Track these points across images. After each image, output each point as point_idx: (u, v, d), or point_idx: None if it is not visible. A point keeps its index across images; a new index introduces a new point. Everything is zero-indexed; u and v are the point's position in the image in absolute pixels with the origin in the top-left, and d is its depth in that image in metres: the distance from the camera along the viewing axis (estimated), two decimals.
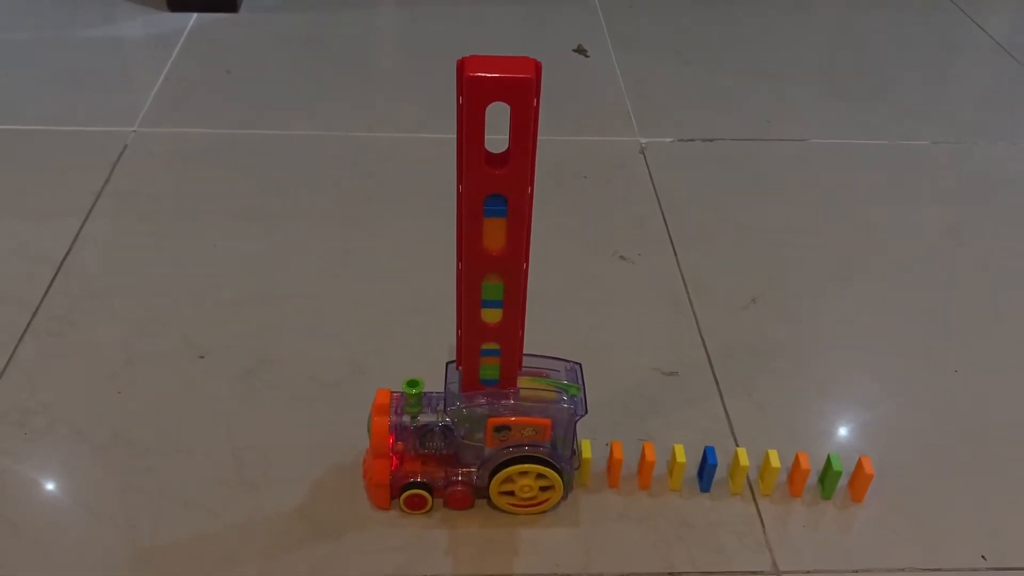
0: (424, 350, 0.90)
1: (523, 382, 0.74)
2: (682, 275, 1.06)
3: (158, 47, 1.48)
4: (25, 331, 0.93)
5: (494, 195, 0.64)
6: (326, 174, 1.20)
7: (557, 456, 0.75)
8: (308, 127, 1.28)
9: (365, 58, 1.50)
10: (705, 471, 0.80)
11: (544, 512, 0.78)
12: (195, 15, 1.56)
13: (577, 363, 0.77)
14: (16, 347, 0.91)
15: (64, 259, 1.02)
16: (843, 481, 0.82)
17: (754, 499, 0.81)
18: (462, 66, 0.57)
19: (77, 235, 1.06)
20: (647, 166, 1.25)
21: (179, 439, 0.83)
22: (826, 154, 1.31)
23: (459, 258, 0.67)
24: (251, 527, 0.76)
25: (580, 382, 0.76)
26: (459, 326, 0.71)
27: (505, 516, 0.78)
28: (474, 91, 0.57)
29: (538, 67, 0.59)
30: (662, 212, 1.16)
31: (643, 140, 1.30)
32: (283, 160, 1.22)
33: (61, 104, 1.31)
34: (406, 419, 0.74)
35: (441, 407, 0.74)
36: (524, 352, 0.74)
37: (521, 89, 0.58)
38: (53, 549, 0.73)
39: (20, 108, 1.29)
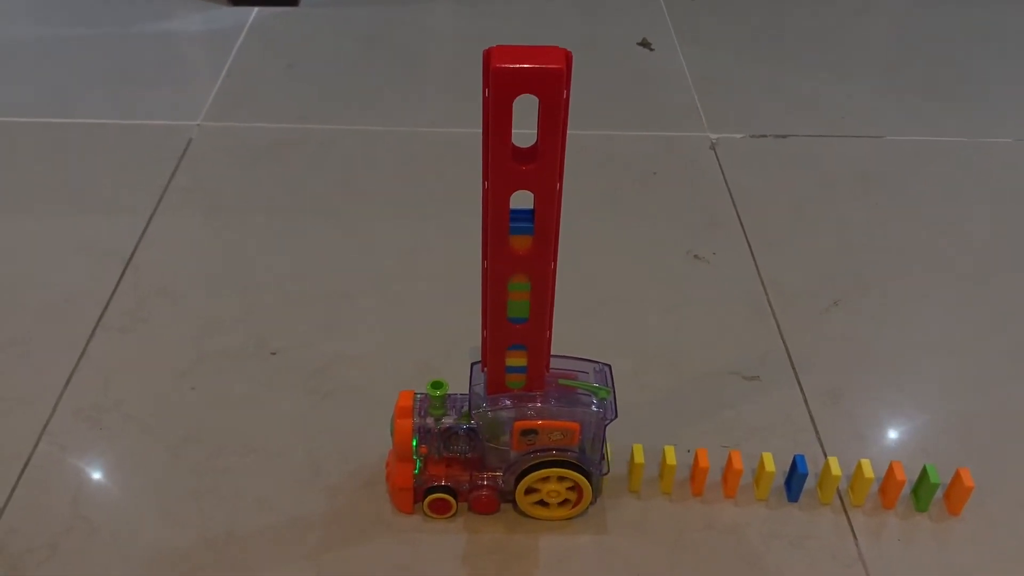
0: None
1: (551, 384, 0.72)
2: (760, 276, 1.03)
3: (219, 42, 1.47)
4: (96, 327, 0.92)
5: (520, 211, 0.61)
6: (390, 169, 1.19)
7: (586, 460, 0.73)
8: (371, 122, 1.26)
9: (426, 52, 1.48)
10: (794, 480, 0.77)
11: (570, 518, 0.76)
12: (256, 9, 1.56)
13: (607, 364, 0.74)
14: (88, 343, 0.90)
15: (132, 255, 1.01)
16: (939, 493, 0.78)
17: (845, 510, 0.78)
18: (488, 57, 0.54)
19: (144, 230, 1.05)
20: (719, 163, 1.21)
21: (252, 438, 0.82)
22: (903, 151, 1.26)
23: (484, 256, 0.64)
24: (313, 526, 0.74)
25: (610, 384, 0.73)
26: (484, 326, 0.68)
27: (532, 522, 0.76)
28: (501, 83, 0.54)
29: (569, 57, 0.55)
30: (736, 210, 1.13)
31: (713, 136, 1.27)
32: (346, 155, 1.21)
33: (125, 99, 1.30)
34: (430, 421, 0.72)
35: (466, 409, 0.72)
36: (552, 353, 0.72)
37: (550, 81, 0.54)
38: (129, 549, 0.72)
39: (85, 103, 1.29)
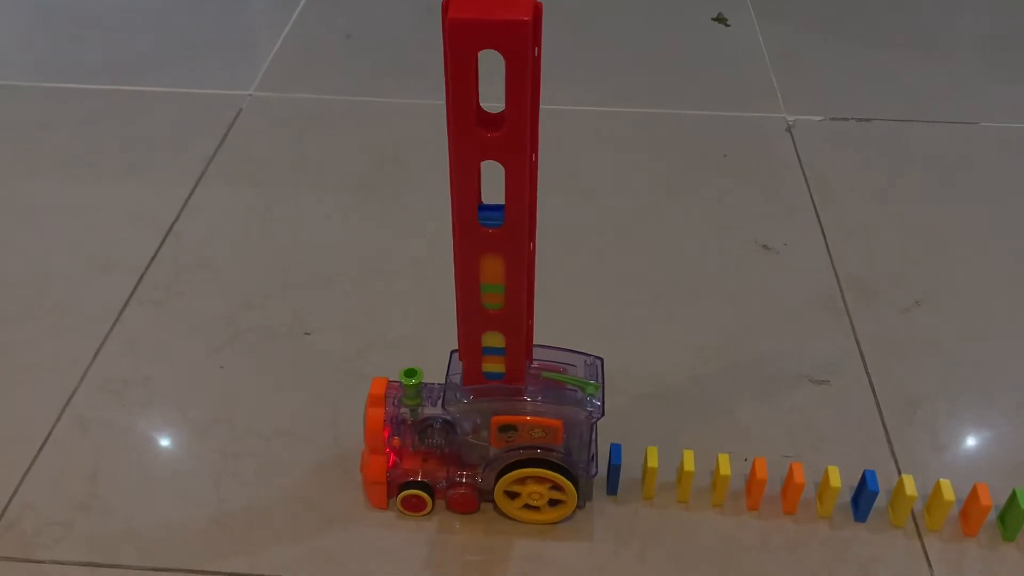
0: (542, 337, 0.82)
1: (535, 377, 0.66)
2: (835, 269, 0.94)
3: (277, 10, 1.44)
4: (130, 298, 0.89)
5: (488, 206, 0.56)
6: (442, 147, 1.13)
7: (571, 462, 0.67)
8: (428, 96, 1.21)
9: None
10: (863, 498, 0.70)
11: (554, 523, 0.70)
12: None
13: (598, 358, 0.68)
14: (120, 314, 0.88)
15: (172, 225, 0.98)
16: None
17: (919, 535, 0.70)
18: (445, 7, 0.47)
19: (187, 201, 1.02)
20: (795, 146, 1.13)
21: (280, 421, 0.78)
22: (998, 139, 1.16)
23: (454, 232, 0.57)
24: (330, 516, 0.70)
25: (600, 379, 0.66)
26: (458, 310, 0.62)
27: (512, 525, 0.70)
28: (458, 37, 0.47)
29: (538, 8, 0.48)
30: (812, 198, 1.04)
31: (790, 118, 1.18)
32: (401, 129, 1.16)
33: (178, 67, 1.28)
34: (404, 412, 0.67)
35: (440, 401, 0.66)
36: (538, 343, 0.66)
37: (514, 35, 0.47)
38: (143, 529, 0.69)
39: (138, 70, 1.27)
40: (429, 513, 0.70)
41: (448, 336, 0.87)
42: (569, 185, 1.06)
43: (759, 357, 0.85)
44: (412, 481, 0.69)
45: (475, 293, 0.60)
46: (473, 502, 0.70)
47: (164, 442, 0.76)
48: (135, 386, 0.81)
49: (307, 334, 0.86)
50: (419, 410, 0.67)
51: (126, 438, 0.76)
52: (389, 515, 0.70)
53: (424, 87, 1.23)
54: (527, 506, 0.69)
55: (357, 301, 0.90)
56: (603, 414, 0.65)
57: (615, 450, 0.71)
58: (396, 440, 0.68)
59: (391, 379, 0.68)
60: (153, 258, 0.94)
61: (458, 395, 0.65)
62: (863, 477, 0.70)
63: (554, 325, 0.83)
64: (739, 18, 1.41)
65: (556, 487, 0.68)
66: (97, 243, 0.96)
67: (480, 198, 0.56)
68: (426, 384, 0.67)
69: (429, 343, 0.85)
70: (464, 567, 0.68)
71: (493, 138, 0.52)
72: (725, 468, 0.70)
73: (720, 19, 1.41)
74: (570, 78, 1.26)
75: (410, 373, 0.66)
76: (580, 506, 0.70)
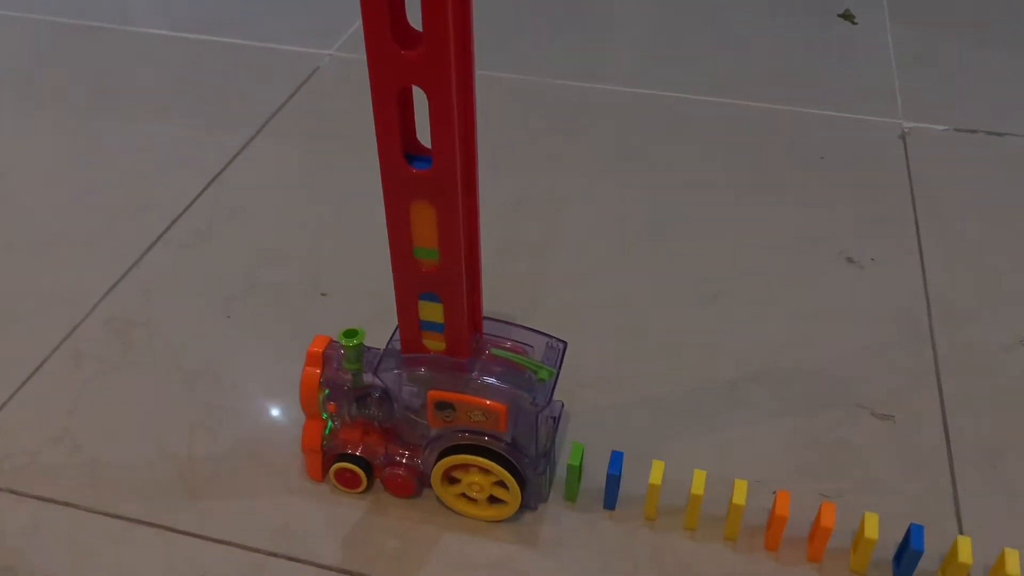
0: (572, 318, 0.74)
1: (482, 352, 0.58)
2: (926, 293, 0.81)
3: None
4: (158, 239, 0.87)
5: (417, 156, 0.50)
6: (509, 120, 1.06)
7: (516, 453, 0.58)
8: (504, 68, 1.14)
9: (597, 1, 1.34)
10: (905, 557, 0.58)
11: (496, 521, 0.62)
12: None
13: (562, 341, 0.60)
14: (144, 254, 0.85)
15: (219, 173, 0.96)
16: None
17: None
18: None
19: (240, 152, 0.99)
20: (906, 155, 0.99)
21: (272, 382, 0.73)
22: None
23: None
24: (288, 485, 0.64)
25: (557, 366, 0.58)
26: (392, 267, 0.55)
27: (452, 517, 0.63)
28: None
29: None
30: (915, 212, 0.91)
31: (906, 124, 1.04)
32: (482, 102, 1.09)
33: (264, 22, 1.26)
34: (341, 376, 0.60)
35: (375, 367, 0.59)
36: (498, 319, 0.59)
37: None
38: (105, 470, 0.65)
39: (225, 22, 1.26)
40: (365, 491, 0.64)
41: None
42: (643, 173, 0.97)
43: (817, 379, 0.73)
44: (347, 454, 0.63)
45: (406, 246, 0.54)
46: (410, 485, 0.63)
47: (150, 387, 0.72)
48: (138, 326, 0.78)
49: (323, 295, 0.81)
50: (360, 376, 0.60)
51: (114, 377, 0.73)
52: (323, 489, 0.65)
53: (518, 62, 1.16)
54: (466, 497, 0.62)
55: (384, 269, 0.84)
56: (549, 402, 0.57)
57: (615, 459, 0.62)
58: (331, 405, 0.62)
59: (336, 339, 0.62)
60: (192, 203, 0.91)
61: (393, 362, 0.58)
62: (908, 532, 0.58)
63: (595, 318, 0.75)
64: (869, 16, 1.28)
65: (502, 483, 0.60)
66: (142, 182, 0.95)
67: (411, 135, 0.50)
68: (370, 349, 0.60)
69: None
70: (377, 553, 0.61)
71: (412, 58, 0.45)
72: (740, 497, 0.60)
73: (847, 15, 1.27)
74: (666, 63, 1.16)
75: (350, 334, 0.59)
76: (530, 507, 0.63)
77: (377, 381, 0.59)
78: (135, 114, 1.06)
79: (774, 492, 0.63)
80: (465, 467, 0.60)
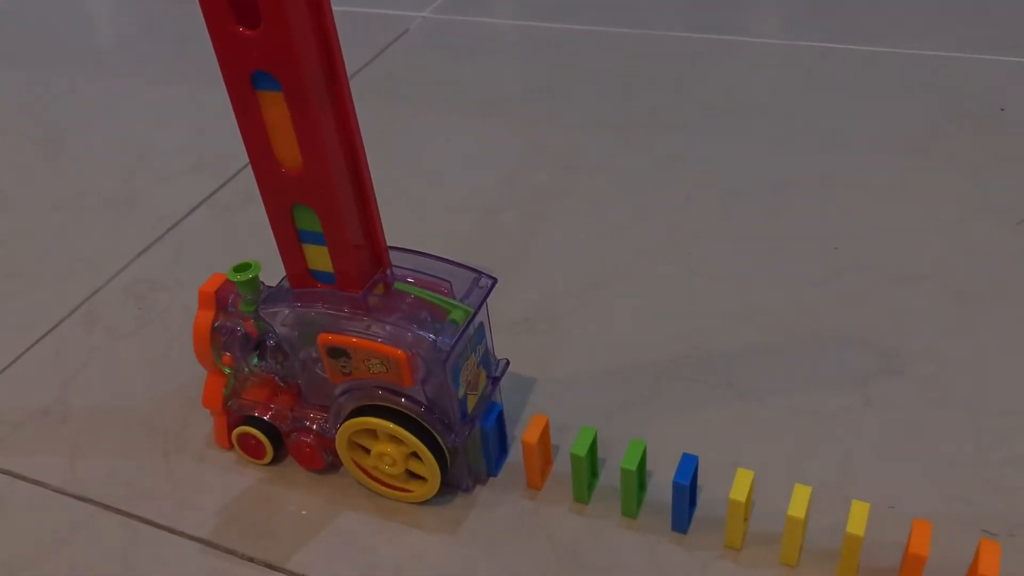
0: (679, 288, 0.59)
1: (383, 287, 0.47)
2: None
3: None
4: (205, 200, 0.79)
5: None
6: (603, 75, 0.92)
7: (429, 416, 0.46)
8: (607, 22, 1.00)
9: None
10: None
11: (412, 502, 0.50)
12: None
13: (491, 278, 0.48)
14: (187, 215, 0.77)
15: None
16: None
17: None
18: None
19: None
20: None
21: None
22: None
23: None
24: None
25: (478, 306, 0.47)
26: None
27: (366, 496, 0.51)
28: None
29: None
30: None
31: None
32: (566, 57, 0.96)
33: None
34: (236, 321, 0.49)
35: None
36: (408, 248, 0.49)
37: None
38: (84, 453, 0.56)
39: None
40: (272, 463, 0.53)
41: (567, 279, 0.67)
42: (778, 129, 0.81)
43: (983, 375, 0.55)
44: (248, 417, 0.51)
45: (263, 144, 0.43)
46: (318, 457, 0.51)
47: (155, 359, 0.63)
48: (161, 290, 0.69)
49: None
50: (257, 321, 0.49)
51: (122, 346, 0.64)
52: (230, 457, 0.54)
53: (605, 14, 1.02)
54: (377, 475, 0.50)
55: (441, 232, 0.72)
56: (454, 347, 0.45)
57: (686, 464, 0.47)
58: (227, 356, 0.50)
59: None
60: (246, 165, 0.83)
61: (278, 300, 0.47)
62: None
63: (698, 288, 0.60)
64: None
65: (417, 455, 0.48)
66: (201, 143, 0.87)
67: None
68: (270, 288, 0.49)
69: (518, 281, 0.65)
70: (260, 533, 0.50)
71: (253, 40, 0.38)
72: (859, 525, 0.43)
73: None
74: (809, 7, 0.99)
75: (241, 268, 0.48)
76: (463, 488, 0.50)
77: (262, 325, 0.48)
78: (201, 76, 1.00)
79: (892, 508, 0.45)
80: (375, 434, 0.48)
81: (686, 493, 0.46)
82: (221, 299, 0.50)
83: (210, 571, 0.48)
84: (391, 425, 0.47)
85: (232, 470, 0.53)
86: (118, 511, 0.52)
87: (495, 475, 0.51)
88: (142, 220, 0.77)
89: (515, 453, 0.53)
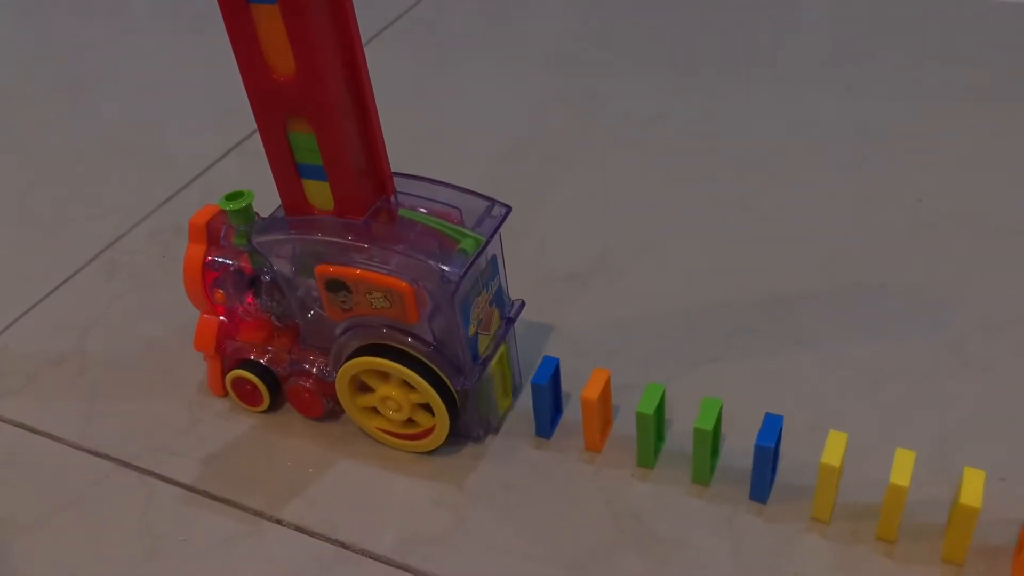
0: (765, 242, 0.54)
1: (387, 214, 0.42)
2: None
3: None
4: (235, 147, 0.74)
5: None
6: (663, 17, 0.86)
7: (437, 356, 0.41)
8: None
9: None
10: None
11: (418, 451, 0.45)
12: None
13: (505, 206, 0.43)
14: (215, 163, 0.73)
15: None
16: None
17: None
18: None
19: None
20: None
21: None
22: None
23: None
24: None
25: (490, 236, 0.42)
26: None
27: (368, 444, 0.47)
28: None
29: None
30: None
31: None
32: (620, 5, 0.90)
33: None
34: (229, 254, 0.45)
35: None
36: (415, 175, 0.44)
37: None
38: (100, 405, 0.52)
39: None
40: (266, 409, 0.48)
41: (601, 235, 0.62)
42: (853, 77, 0.75)
43: None
44: (243, 360, 0.47)
45: (252, 48, 0.38)
46: (318, 403, 0.47)
47: (179, 308, 0.58)
48: (184, 238, 0.64)
49: None
50: (252, 254, 0.45)
51: (144, 294, 0.60)
52: (225, 405, 0.50)
53: None
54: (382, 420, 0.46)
55: (492, 180, 0.67)
56: (463, 278, 0.40)
57: (770, 425, 0.41)
58: (219, 293, 0.46)
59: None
60: None
61: (273, 228, 0.43)
62: None
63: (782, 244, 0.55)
64: None
65: (417, 397, 0.44)
66: (231, 91, 0.82)
67: None
68: (264, 218, 0.45)
69: (574, 232, 0.60)
70: (251, 483, 0.46)
71: None
72: (972, 495, 0.37)
73: None
74: None
75: (234, 196, 0.44)
76: (474, 437, 0.46)
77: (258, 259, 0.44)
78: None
79: (1003, 479, 0.40)
80: (382, 376, 0.44)
81: (770, 457, 0.41)
82: (213, 231, 0.46)
83: (231, 533, 0.44)
84: (396, 366, 0.42)
85: (227, 416, 0.49)
86: (135, 467, 0.48)
87: (548, 436, 0.46)
88: (169, 168, 0.73)
89: (570, 412, 0.48)
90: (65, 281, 0.62)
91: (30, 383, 0.54)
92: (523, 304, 0.47)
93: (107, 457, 0.49)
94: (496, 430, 0.47)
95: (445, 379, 0.43)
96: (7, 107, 0.84)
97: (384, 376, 0.44)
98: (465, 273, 0.40)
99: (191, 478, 0.47)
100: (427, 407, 0.44)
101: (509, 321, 0.46)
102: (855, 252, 0.57)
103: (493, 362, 0.44)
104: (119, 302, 0.60)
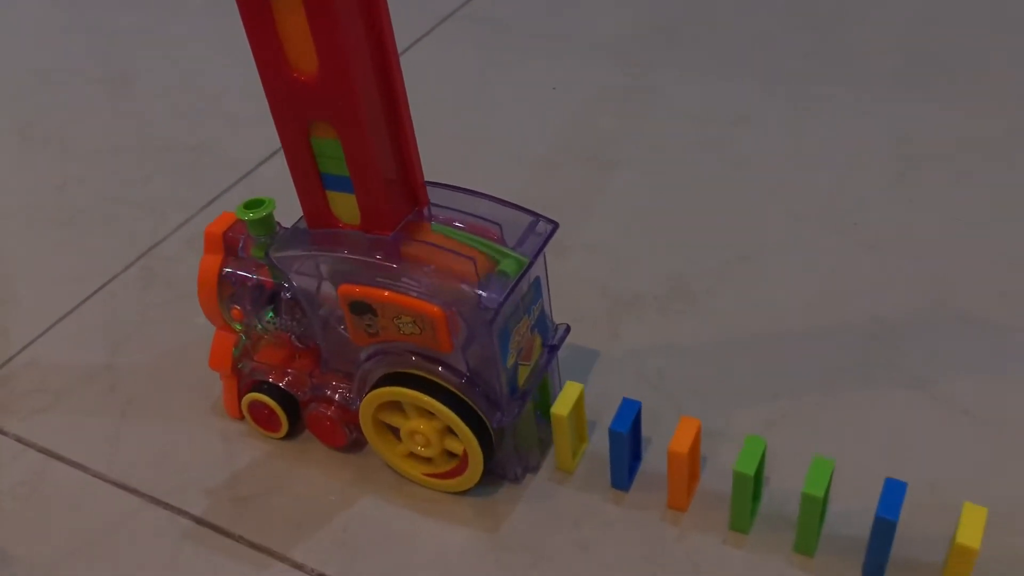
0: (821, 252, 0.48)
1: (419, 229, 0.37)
2: None
3: None
4: (279, 151, 0.70)
5: None
6: (738, 12, 0.80)
7: (471, 388, 0.36)
8: None
9: None
10: None
11: (449, 491, 0.41)
12: None
13: (551, 222, 0.39)
14: (258, 166, 0.68)
15: None
16: None
17: None
18: None
19: (401, 53, 0.80)
20: None
21: None
22: None
23: None
24: None
25: (534, 256, 0.37)
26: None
27: (396, 481, 0.42)
28: None
29: None
30: None
31: None
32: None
33: None
34: (248, 267, 0.41)
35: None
36: (454, 186, 0.40)
37: None
38: (128, 432, 0.47)
39: None
40: (285, 436, 0.44)
41: (690, 245, 0.56)
42: (959, 83, 0.68)
43: None
44: (260, 383, 0.42)
45: (271, 39, 0.34)
46: (340, 433, 0.42)
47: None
48: None
49: None
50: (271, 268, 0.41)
51: (180, 308, 0.55)
52: (239, 428, 0.46)
53: None
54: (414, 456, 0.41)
55: (551, 189, 0.62)
56: (505, 302, 0.35)
57: (892, 492, 0.35)
58: (236, 310, 0.41)
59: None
60: None
61: (291, 241, 0.38)
62: None
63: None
64: None
65: (452, 432, 0.39)
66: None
67: None
68: (286, 229, 0.41)
69: (646, 251, 0.55)
70: (263, 521, 0.42)
71: None
72: (970, 535, 0.31)
73: None
74: None
75: (253, 204, 0.40)
76: (510, 478, 0.41)
77: (277, 275, 0.40)
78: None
79: None
80: (406, 408, 0.39)
81: (892, 532, 0.35)
82: (230, 242, 0.41)
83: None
84: (425, 398, 0.37)
85: (240, 442, 0.45)
86: (166, 505, 0.43)
87: (626, 488, 0.41)
88: (210, 167, 0.69)
89: (648, 461, 0.42)
90: (99, 289, 0.58)
91: (57, 402, 0.50)
92: (568, 329, 0.42)
93: (134, 491, 0.44)
94: (535, 469, 0.42)
95: (481, 414, 0.38)
96: (45, 98, 0.80)
97: (415, 408, 0.39)
98: (505, 299, 0.35)
99: (223, 521, 0.42)
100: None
101: (552, 349, 0.41)
102: (971, 279, 0.50)
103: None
104: (155, 313, 0.55)
